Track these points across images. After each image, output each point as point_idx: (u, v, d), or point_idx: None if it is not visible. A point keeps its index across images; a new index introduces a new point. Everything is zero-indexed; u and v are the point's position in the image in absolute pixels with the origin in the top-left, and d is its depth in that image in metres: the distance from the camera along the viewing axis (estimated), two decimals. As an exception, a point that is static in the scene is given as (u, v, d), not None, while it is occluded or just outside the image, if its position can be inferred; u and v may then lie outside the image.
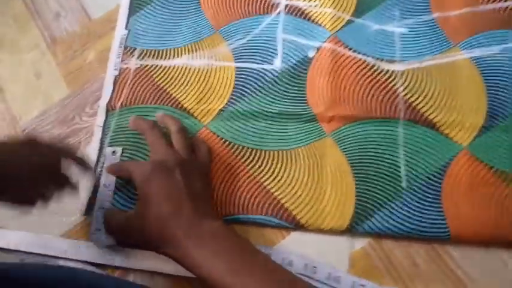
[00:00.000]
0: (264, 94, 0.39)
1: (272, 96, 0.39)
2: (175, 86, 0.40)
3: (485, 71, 0.38)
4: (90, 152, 0.37)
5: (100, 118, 0.39)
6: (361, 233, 0.34)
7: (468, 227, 0.33)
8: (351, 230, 0.34)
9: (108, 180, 0.36)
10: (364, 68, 0.39)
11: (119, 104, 0.39)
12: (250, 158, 0.37)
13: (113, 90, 0.40)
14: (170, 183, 0.31)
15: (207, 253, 0.28)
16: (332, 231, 0.34)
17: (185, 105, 0.39)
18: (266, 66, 0.40)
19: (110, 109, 0.39)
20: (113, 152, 0.37)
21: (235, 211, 0.35)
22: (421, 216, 0.34)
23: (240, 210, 0.35)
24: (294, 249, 0.34)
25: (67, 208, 0.36)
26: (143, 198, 0.31)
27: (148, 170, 0.31)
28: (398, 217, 0.34)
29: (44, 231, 0.36)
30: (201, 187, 0.32)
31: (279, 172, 0.36)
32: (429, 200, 0.34)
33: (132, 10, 0.43)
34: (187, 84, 0.39)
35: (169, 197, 0.30)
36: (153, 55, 0.41)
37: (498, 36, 0.39)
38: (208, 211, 0.32)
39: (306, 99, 0.38)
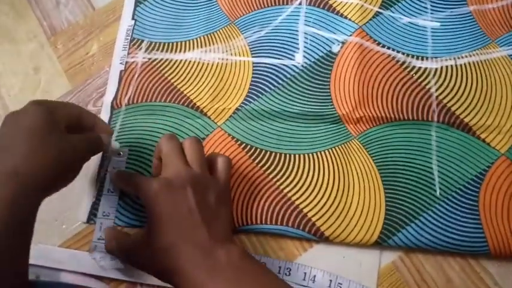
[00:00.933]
0: (284, 92, 0.35)
1: (293, 94, 0.35)
2: (186, 82, 0.36)
3: (525, 70, 0.35)
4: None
5: (104, 116, 0.35)
6: (391, 247, 0.31)
7: (509, 240, 0.31)
8: (380, 244, 0.31)
9: (112, 185, 0.33)
10: (394, 65, 0.36)
11: (125, 101, 0.36)
12: (269, 162, 0.33)
13: (119, 86, 0.36)
14: (180, 205, 0.27)
15: (221, 287, 0.25)
16: (359, 245, 0.31)
17: (198, 104, 0.35)
18: (286, 61, 0.36)
19: (115, 107, 0.36)
20: (119, 153, 0.34)
21: (252, 221, 0.32)
22: (456, 229, 0.31)
23: (257, 220, 0.32)
24: (317, 263, 0.31)
25: (68, 214, 0.33)
26: (150, 223, 0.27)
27: (154, 189, 0.27)
28: (432, 229, 0.31)
29: (42, 241, 0.32)
30: (218, 206, 0.28)
31: (300, 178, 0.33)
32: (465, 210, 0.32)
33: (140, -1, 0.40)
34: (200, 81, 0.36)
35: (178, 223, 0.27)
36: (163, 48, 0.37)
37: (539, 32, 0.36)
38: (226, 235, 0.28)
39: (330, 98, 0.35)
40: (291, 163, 0.33)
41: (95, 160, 0.34)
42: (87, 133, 0.29)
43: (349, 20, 0.37)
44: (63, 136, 0.26)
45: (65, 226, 0.33)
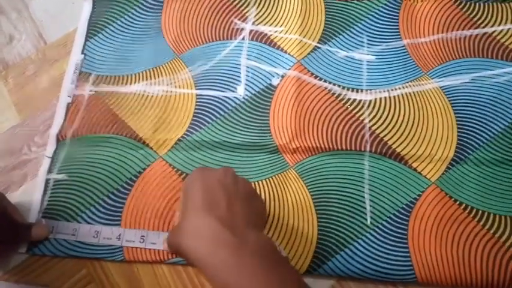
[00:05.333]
0: (225, 123, 0.37)
1: (234, 125, 0.37)
2: (130, 114, 0.37)
3: (455, 101, 0.37)
4: (36, 185, 0.35)
5: (49, 148, 0.36)
6: (322, 275, 0.32)
7: (435, 268, 0.31)
8: (311, 273, 0.32)
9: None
10: (330, 97, 0.37)
11: (71, 133, 0.37)
12: (208, 192, 0.34)
13: (65, 119, 0.37)
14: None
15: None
16: (291, 274, 0.32)
17: (140, 135, 0.37)
18: (228, 93, 0.38)
19: (60, 139, 0.37)
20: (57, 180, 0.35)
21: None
22: (385, 257, 0.32)
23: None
24: (251, 292, 0.32)
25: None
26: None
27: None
28: (362, 258, 0.32)
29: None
30: None
31: (237, 208, 0.34)
32: (394, 239, 0.33)
33: (90, 34, 0.41)
34: (143, 113, 0.37)
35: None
36: (109, 81, 0.39)
37: (469, 65, 0.38)
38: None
39: (269, 129, 0.36)
40: (230, 193, 0.34)
41: (37, 190, 0.35)
42: None
43: (289, 54, 0.39)
44: None
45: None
